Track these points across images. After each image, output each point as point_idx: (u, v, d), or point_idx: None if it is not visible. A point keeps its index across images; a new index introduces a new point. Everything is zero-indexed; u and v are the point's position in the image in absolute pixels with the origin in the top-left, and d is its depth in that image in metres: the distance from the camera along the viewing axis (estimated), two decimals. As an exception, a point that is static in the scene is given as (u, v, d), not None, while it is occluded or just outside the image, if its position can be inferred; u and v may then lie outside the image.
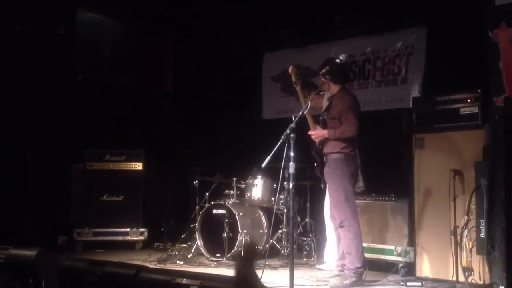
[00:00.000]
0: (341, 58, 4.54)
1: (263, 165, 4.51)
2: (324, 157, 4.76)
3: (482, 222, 3.95)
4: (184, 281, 2.83)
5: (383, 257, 5.06)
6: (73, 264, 3.25)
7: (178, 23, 7.59)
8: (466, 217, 4.20)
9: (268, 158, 4.39)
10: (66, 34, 6.56)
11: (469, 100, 4.55)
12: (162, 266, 5.30)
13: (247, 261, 2.31)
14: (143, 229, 6.50)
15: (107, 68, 7.22)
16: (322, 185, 4.93)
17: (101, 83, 6.98)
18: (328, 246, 5.28)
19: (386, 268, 4.98)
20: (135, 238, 6.48)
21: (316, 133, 4.75)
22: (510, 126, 3.47)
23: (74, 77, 6.73)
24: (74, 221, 6.47)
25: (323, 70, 4.68)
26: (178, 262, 5.48)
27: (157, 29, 7.78)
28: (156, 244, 6.47)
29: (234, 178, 5.92)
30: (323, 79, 4.70)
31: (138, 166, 6.67)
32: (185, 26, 7.55)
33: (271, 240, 5.64)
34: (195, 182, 6.10)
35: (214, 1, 6.91)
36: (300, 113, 4.30)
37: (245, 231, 5.46)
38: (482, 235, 3.95)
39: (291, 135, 4.00)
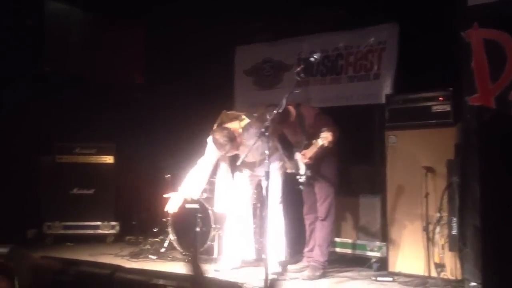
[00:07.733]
0: (315, 56, 4.43)
1: (238, 163, 4.52)
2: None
3: (454, 219, 4.02)
4: (161, 281, 2.81)
5: (356, 252, 5.11)
6: (47, 263, 3.19)
7: (149, 14, 7.44)
8: (438, 214, 4.28)
9: (244, 155, 4.40)
10: (34, 25, 6.38)
11: (441, 98, 4.62)
12: (135, 261, 5.28)
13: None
14: (114, 223, 6.43)
15: (76, 60, 7.01)
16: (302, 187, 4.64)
17: (70, 74, 6.81)
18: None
19: (359, 263, 5.04)
20: (106, 232, 6.41)
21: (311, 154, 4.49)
22: (483, 128, 3.56)
23: (42, 69, 6.56)
24: (44, 215, 6.33)
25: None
26: (151, 256, 5.46)
27: (128, 20, 7.61)
28: (127, 237, 6.40)
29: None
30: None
31: (109, 159, 6.57)
32: (157, 17, 7.41)
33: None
34: (167, 176, 6.05)
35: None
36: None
37: (218, 226, 5.45)
38: (454, 232, 4.02)
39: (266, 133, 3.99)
